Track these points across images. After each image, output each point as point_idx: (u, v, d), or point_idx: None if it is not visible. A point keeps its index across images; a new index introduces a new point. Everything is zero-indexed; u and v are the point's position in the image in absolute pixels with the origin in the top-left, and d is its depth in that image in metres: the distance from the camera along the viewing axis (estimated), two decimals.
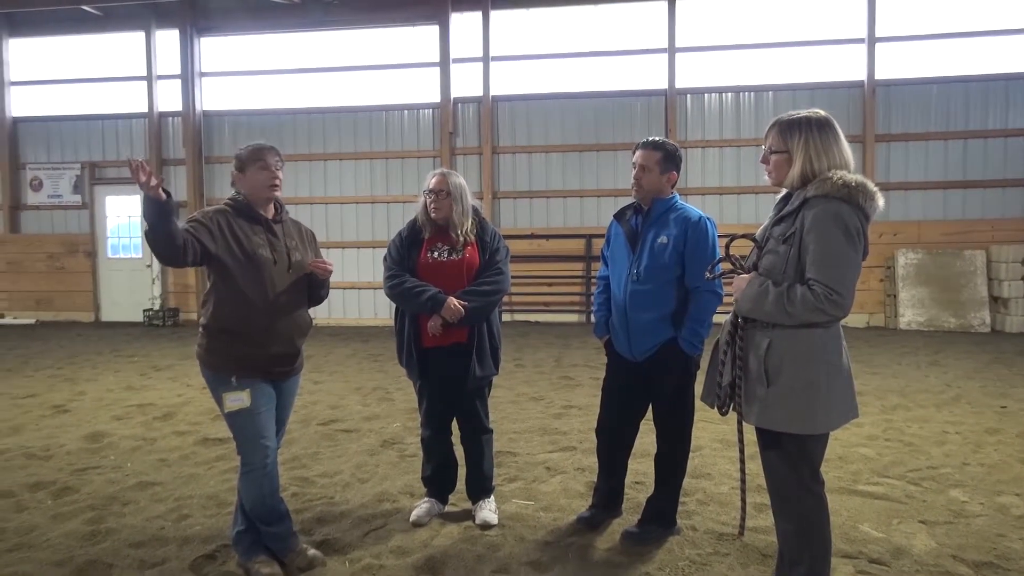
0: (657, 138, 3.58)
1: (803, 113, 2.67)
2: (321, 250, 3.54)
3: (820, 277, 2.49)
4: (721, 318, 2.90)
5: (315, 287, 3.38)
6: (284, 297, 3.20)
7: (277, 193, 3.29)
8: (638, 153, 3.53)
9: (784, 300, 2.53)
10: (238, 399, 3.10)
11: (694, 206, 3.63)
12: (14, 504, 4.08)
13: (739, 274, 2.76)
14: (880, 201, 2.55)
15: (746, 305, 2.65)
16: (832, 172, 2.56)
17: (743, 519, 3.39)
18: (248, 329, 3.12)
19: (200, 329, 3.22)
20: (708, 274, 3.08)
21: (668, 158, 3.50)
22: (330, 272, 3.37)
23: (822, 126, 2.62)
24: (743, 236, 2.88)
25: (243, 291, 3.11)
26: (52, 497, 4.19)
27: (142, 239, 12.69)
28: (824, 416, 2.59)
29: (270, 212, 3.30)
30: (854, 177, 2.54)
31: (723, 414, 2.85)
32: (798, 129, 2.63)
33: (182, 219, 3.04)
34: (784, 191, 2.74)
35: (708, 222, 3.47)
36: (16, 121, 13.22)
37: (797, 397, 2.57)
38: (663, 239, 3.43)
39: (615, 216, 3.70)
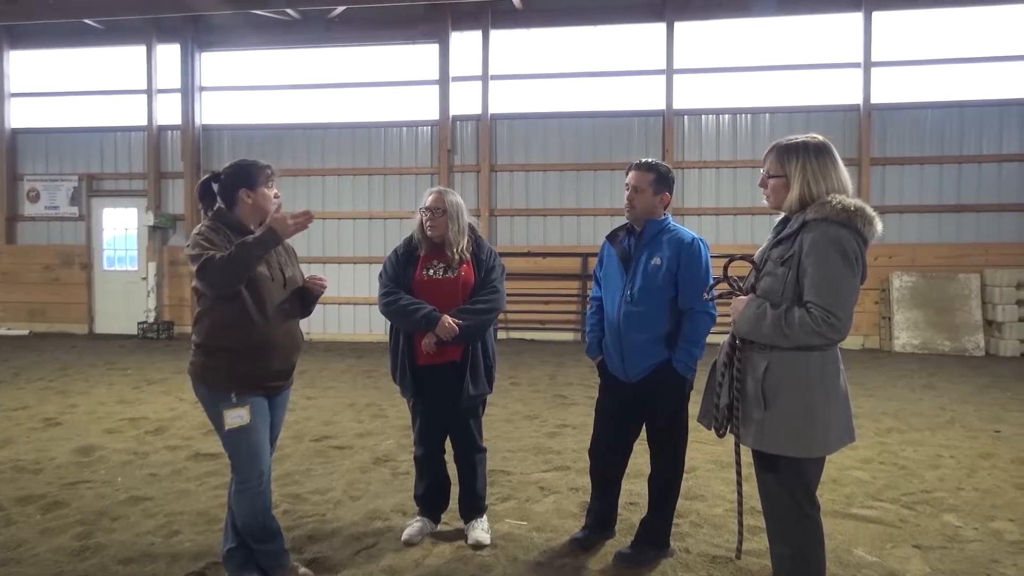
0: (650, 159, 3.60)
1: (801, 138, 2.69)
2: (318, 265, 3.53)
3: (818, 300, 2.49)
4: (715, 339, 2.89)
5: (307, 302, 3.38)
6: (281, 313, 3.20)
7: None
8: (631, 174, 3.55)
9: (782, 322, 2.53)
10: (239, 416, 3.07)
11: (690, 227, 3.64)
12: (2, 518, 4.04)
13: (737, 295, 2.76)
14: (879, 226, 2.56)
15: (744, 327, 2.66)
16: (831, 196, 2.57)
17: (740, 542, 3.36)
18: (247, 346, 3.10)
19: (194, 347, 3.18)
20: (706, 295, 3.08)
21: (661, 179, 3.52)
22: (325, 288, 3.38)
23: (819, 151, 2.64)
24: (741, 257, 2.89)
25: (243, 308, 3.08)
26: (41, 511, 4.15)
27: (139, 253, 12.72)
28: (821, 440, 2.59)
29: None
30: (853, 201, 2.55)
31: (720, 436, 2.84)
32: (795, 154, 2.65)
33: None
34: (783, 214, 2.76)
35: (701, 243, 3.48)
36: (15, 132, 13.22)
37: (794, 420, 2.57)
38: (656, 260, 3.44)
39: (607, 237, 3.72)
